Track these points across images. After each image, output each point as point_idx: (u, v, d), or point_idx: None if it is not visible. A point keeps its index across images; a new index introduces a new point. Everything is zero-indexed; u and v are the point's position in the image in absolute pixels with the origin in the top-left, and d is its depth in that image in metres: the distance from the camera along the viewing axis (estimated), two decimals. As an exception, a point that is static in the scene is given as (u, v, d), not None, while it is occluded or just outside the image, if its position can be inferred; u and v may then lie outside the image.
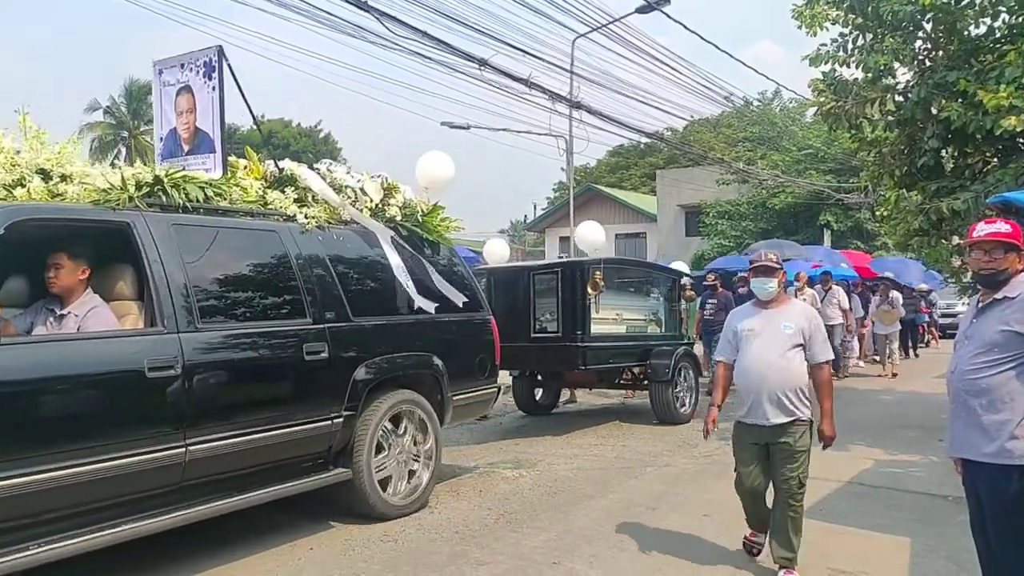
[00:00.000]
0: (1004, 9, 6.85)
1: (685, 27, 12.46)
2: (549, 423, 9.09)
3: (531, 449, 7.51)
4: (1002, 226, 2.99)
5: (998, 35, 7.08)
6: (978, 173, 7.26)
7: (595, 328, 8.05)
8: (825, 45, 7.61)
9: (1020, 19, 6.87)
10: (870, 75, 7.40)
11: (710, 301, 11.53)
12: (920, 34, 7.36)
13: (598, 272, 7.88)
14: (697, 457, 7.05)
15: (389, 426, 5.06)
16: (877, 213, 11.90)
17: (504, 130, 19.07)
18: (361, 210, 5.32)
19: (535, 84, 12.92)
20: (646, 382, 8.90)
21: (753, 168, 23.61)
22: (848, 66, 7.54)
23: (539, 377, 9.59)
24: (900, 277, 16.90)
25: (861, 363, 14.48)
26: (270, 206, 4.87)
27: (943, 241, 7.98)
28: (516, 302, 8.33)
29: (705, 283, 12.11)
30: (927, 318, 18.77)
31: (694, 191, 27.57)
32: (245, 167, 5.16)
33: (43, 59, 69.16)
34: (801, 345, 3.96)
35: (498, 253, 11.77)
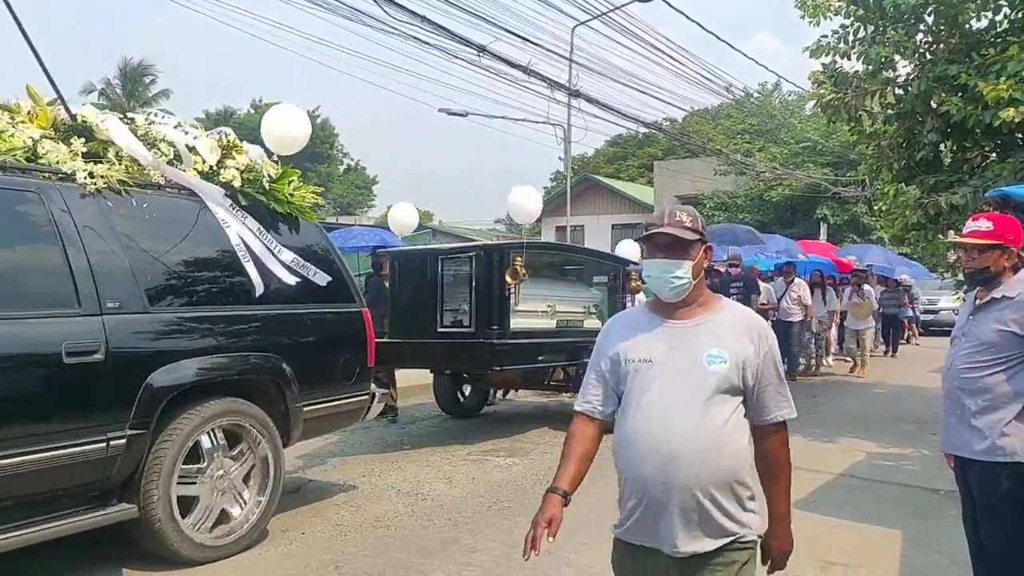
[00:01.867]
0: (1005, 3, 6.83)
1: (686, 16, 12.39)
2: (544, 413, 9.08)
3: (524, 437, 7.51)
4: (983, 223, 2.96)
5: (999, 29, 7.06)
6: (976, 167, 7.26)
7: (516, 323, 6.98)
8: (826, 36, 7.58)
9: (1021, 14, 6.84)
10: (870, 67, 7.37)
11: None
12: (921, 27, 7.33)
13: (519, 258, 6.76)
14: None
15: (207, 445, 4.07)
16: (875, 207, 11.89)
17: (502, 118, 18.99)
18: (186, 171, 4.36)
19: (534, 71, 12.86)
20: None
21: (751, 160, 23.59)
22: (849, 58, 7.51)
23: (465, 375, 8.53)
24: (885, 268, 16.32)
25: (830, 361, 13.60)
26: (42, 160, 3.84)
27: (940, 236, 7.99)
28: (421, 291, 7.31)
29: None
30: (910, 313, 17.96)
31: (691, 182, 27.55)
32: (29, 112, 4.14)
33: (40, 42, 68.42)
34: (741, 392, 2.04)
35: (405, 222, 9.81)
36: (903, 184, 8.01)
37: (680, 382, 2.00)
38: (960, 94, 6.68)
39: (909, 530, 4.73)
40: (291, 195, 4.82)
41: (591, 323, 8.34)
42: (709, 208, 26.29)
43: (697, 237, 2.07)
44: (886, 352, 15.78)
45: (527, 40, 12.50)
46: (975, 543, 3.04)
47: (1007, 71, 6.18)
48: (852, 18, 7.43)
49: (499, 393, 9.40)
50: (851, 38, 7.49)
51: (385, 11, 9.78)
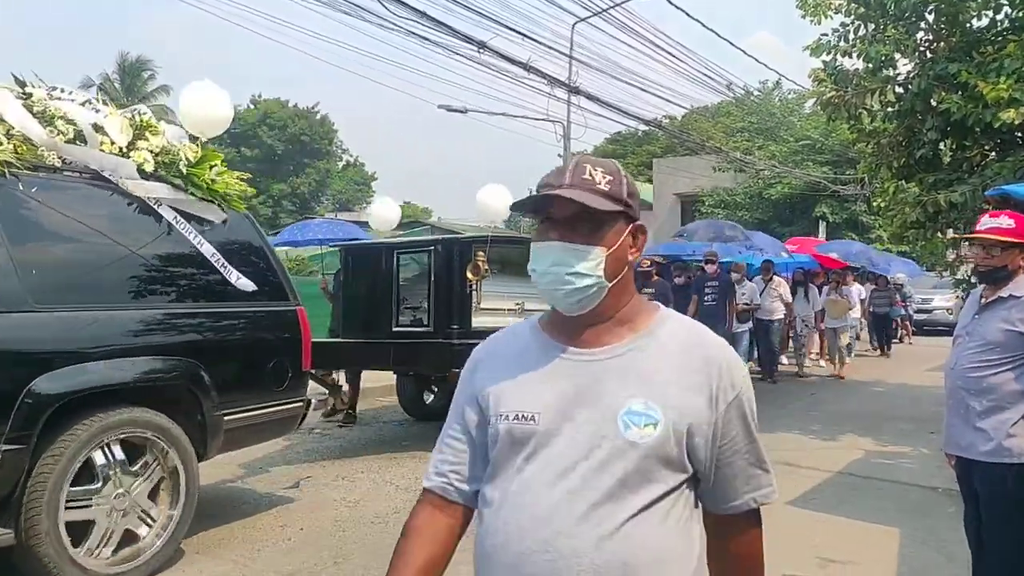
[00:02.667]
0: (1006, 2, 6.82)
1: (687, 13, 12.38)
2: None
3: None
4: (1004, 221, 2.83)
5: (1000, 28, 7.05)
6: (976, 166, 7.26)
7: (479, 321, 6.50)
8: (826, 35, 7.58)
9: (1021, 12, 6.84)
10: (871, 65, 7.37)
11: (644, 291, 9.30)
12: (922, 25, 7.33)
13: (481, 252, 6.28)
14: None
15: (101, 461, 3.60)
16: (874, 204, 11.85)
17: (502, 114, 18.97)
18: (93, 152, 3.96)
19: (534, 68, 12.84)
20: None
21: (750, 158, 23.59)
22: (849, 56, 7.51)
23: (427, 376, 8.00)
24: (875, 265, 15.71)
25: (822, 362, 13.14)
26: None
27: (939, 234, 7.99)
28: (375, 287, 6.86)
29: (639, 269, 10.20)
30: (902, 312, 17.51)
31: (691, 180, 27.54)
32: None
33: (42, 35, 68.50)
34: (684, 470, 1.23)
35: (385, 218, 9.26)
36: (903, 182, 8.01)
37: (573, 459, 1.19)
38: (960, 92, 6.67)
39: (907, 528, 4.74)
40: (213, 181, 4.37)
41: None
42: (708, 205, 26.28)
43: (618, 208, 1.25)
44: (879, 351, 15.50)
45: (527, 37, 12.53)
46: (976, 544, 3.02)
47: (1005, 69, 6.17)
48: (853, 16, 7.42)
49: None
50: (852, 36, 7.48)
51: (385, 7, 9.77)
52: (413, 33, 10.90)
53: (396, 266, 6.82)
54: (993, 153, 7.22)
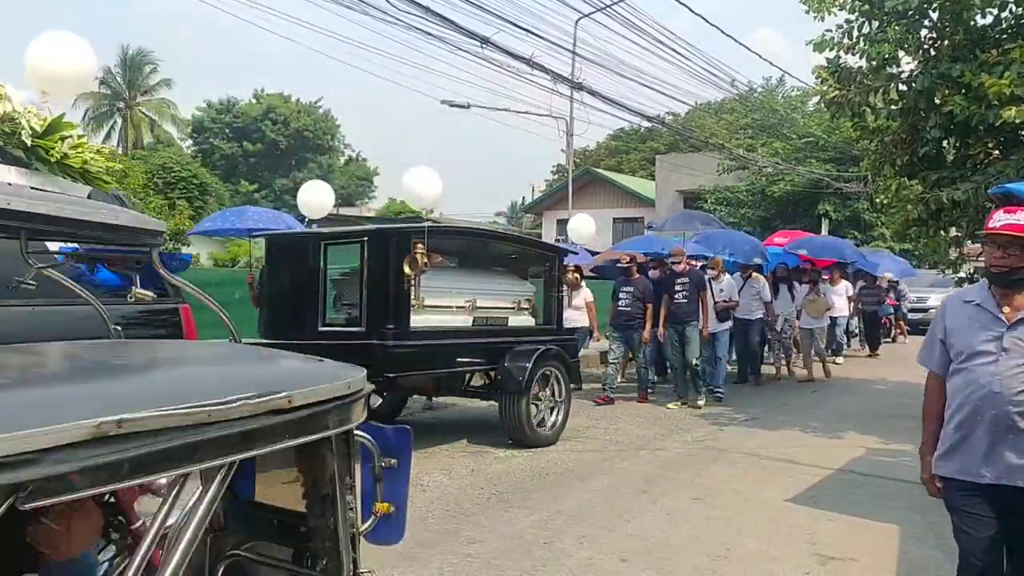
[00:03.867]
0: (1012, 0, 6.81)
1: (690, 10, 12.35)
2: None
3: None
4: (1023, 217, 2.56)
5: (1004, 26, 7.04)
6: (979, 164, 7.24)
7: (418, 320, 6.04)
8: (830, 32, 7.57)
9: (1026, 10, 6.83)
10: (874, 63, 7.35)
11: (625, 289, 9.18)
12: (925, 23, 7.31)
13: (420, 244, 5.75)
14: (689, 442, 7.07)
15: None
16: (877, 201, 11.78)
17: (505, 110, 18.96)
18: None
19: (537, 64, 12.83)
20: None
21: (753, 155, 23.56)
22: (853, 54, 7.50)
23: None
24: (849, 259, 15.18)
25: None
26: None
27: (941, 232, 7.99)
28: (300, 282, 6.32)
29: (619, 265, 9.79)
30: (892, 311, 16.92)
31: (693, 177, 27.51)
32: None
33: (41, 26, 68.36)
34: None
35: (317, 204, 8.21)
36: (905, 179, 8.00)
37: None
38: (964, 91, 6.66)
39: (906, 525, 4.74)
40: (65, 155, 3.74)
41: (520, 320, 7.23)
42: (711, 203, 26.26)
43: None
44: (871, 352, 15.05)
45: (531, 32, 12.50)
46: (990, 564, 2.72)
47: (1011, 72, 6.16)
48: (856, 13, 7.41)
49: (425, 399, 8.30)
50: (855, 33, 7.47)
51: (389, 2, 9.77)
52: (416, 28, 10.90)
53: (324, 258, 6.20)
54: (997, 151, 7.21)
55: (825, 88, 7.70)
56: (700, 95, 36.28)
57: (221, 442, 1.13)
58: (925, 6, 7.10)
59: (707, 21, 17.91)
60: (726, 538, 4.47)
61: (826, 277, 12.58)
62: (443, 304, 6.40)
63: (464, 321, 6.64)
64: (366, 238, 6.08)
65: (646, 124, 27.12)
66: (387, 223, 9.26)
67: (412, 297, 5.90)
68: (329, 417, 1.36)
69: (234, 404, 1.15)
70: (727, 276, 10.17)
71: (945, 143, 7.52)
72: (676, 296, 9.04)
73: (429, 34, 11.18)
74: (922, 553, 4.32)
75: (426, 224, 6.17)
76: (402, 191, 6.62)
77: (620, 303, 9.14)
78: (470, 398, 7.55)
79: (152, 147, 36.28)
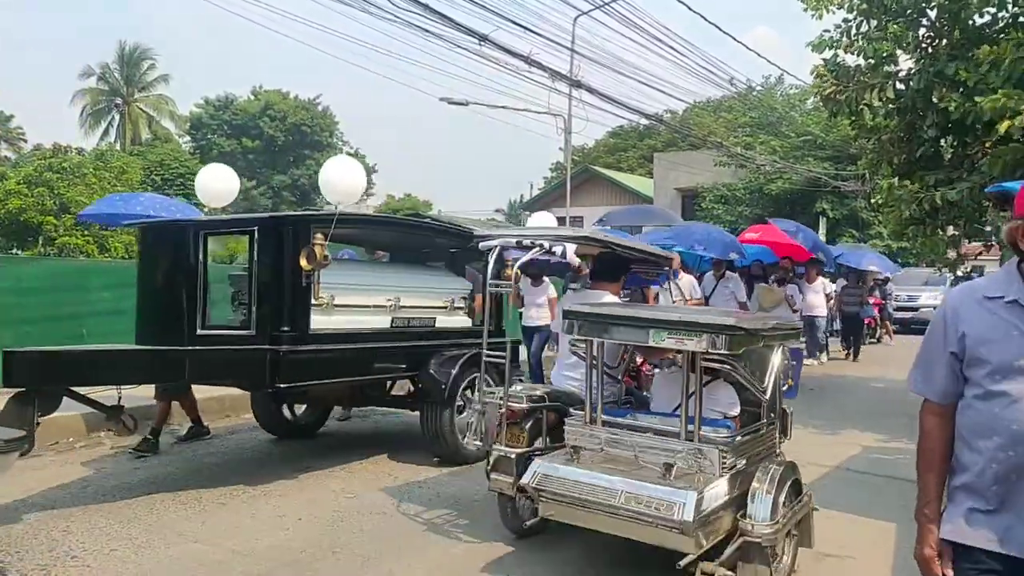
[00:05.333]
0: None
1: (688, 7, 12.35)
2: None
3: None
4: None
5: (1001, 25, 7.05)
6: (976, 164, 7.26)
7: (322, 321, 5.29)
8: (828, 31, 7.58)
9: (1022, 8, 6.84)
10: (871, 61, 7.37)
11: (572, 286, 8.30)
12: (923, 21, 7.33)
13: (321, 235, 5.10)
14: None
15: None
16: (873, 201, 11.73)
17: (503, 107, 18.98)
18: None
19: (535, 61, 12.84)
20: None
21: (751, 153, 23.59)
22: (851, 52, 7.51)
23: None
24: (851, 260, 14.38)
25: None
26: None
27: (939, 231, 8.00)
28: (175, 278, 5.47)
29: (563, 261, 8.84)
30: (874, 312, 16.00)
31: (691, 175, 27.54)
32: None
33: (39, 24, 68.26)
34: None
35: (216, 190, 7.11)
36: (899, 179, 8.03)
37: None
38: (960, 90, 6.68)
39: (904, 522, 4.75)
40: None
41: (452, 321, 6.45)
42: (709, 201, 26.29)
43: None
44: (847, 355, 14.26)
45: (529, 30, 12.51)
46: None
47: (1003, 72, 6.15)
48: (855, 12, 7.43)
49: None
50: (854, 32, 7.49)
51: (388, -1, 9.76)
52: (415, 25, 10.89)
53: (204, 251, 5.42)
54: (992, 150, 7.23)
55: (823, 86, 7.72)
56: (698, 93, 36.30)
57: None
58: (923, 5, 7.11)
59: (705, 19, 17.99)
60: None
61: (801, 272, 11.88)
62: (357, 303, 5.63)
63: (382, 322, 5.83)
64: (256, 227, 5.28)
65: (644, 122, 27.15)
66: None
67: (313, 296, 5.18)
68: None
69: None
70: (686, 274, 9.25)
71: (942, 142, 7.54)
72: (620, 295, 8.06)
73: (428, 31, 11.19)
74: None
75: (336, 212, 5.38)
76: (322, 183, 5.90)
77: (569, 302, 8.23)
78: (393, 409, 6.90)
79: (150, 143, 36.24)
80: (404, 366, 5.96)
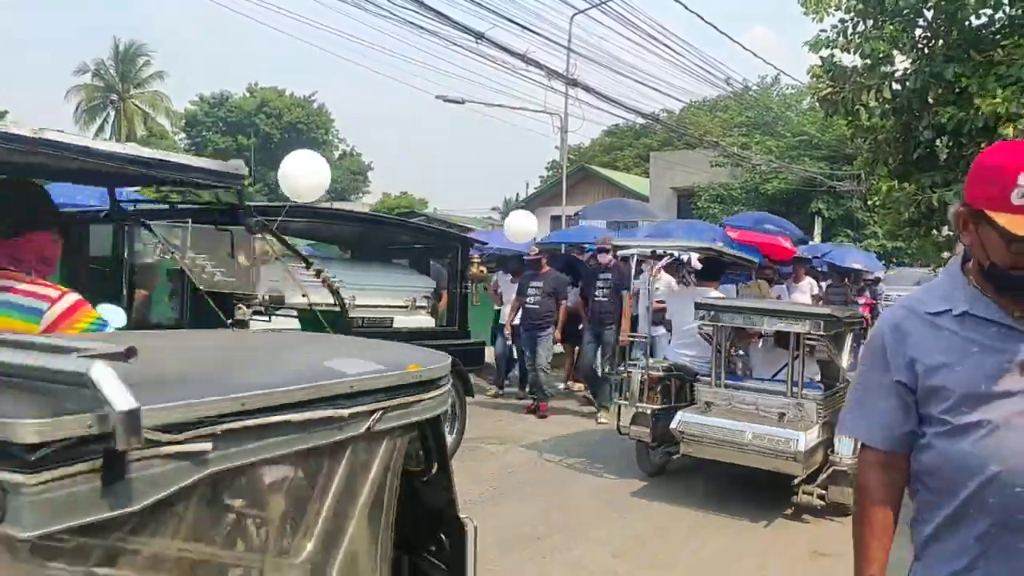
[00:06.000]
0: (1006, 1, 6.83)
1: (685, 7, 12.37)
2: (525, 401, 9.05)
3: (514, 426, 7.51)
4: None
5: (998, 26, 7.06)
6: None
7: (262, 323, 4.93)
8: (825, 31, 7.58)
9: (1020, 11, 6.85)
10: (868, 61, 7.37)
11: (534, 284, 8.22)
12: (920, 22, 7.33)
13: (266, 230, 4.63)
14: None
15: None
16: (869, 202, 11.69)
17: (499, 106, 18.97)
18: None
19: (532, 60, 12.83)
20: None
21: (747, 152, 23.64)
22: (848, 52, 7.52)
23: None
24: (836, 259, 13.81)
25: None
26: None
27: (933, 232, 8.02)
28: (95, 274, 5.01)
29: (526, 257, 8.78)
30: (864, 312, 15.63)
31: (687, 174, 27.58)
32: None
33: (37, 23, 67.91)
34: None
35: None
36: (897, 182, 8.04)
37: None
38: (956, 95, 6.69)
39: (901, 521, 4.78)
40: None
41: (412, 321, 6.25)
42: (704, 200, 26.33)
43: None
44: None
45: (526, 28, 12.49)
46: None
47: (1003, 78, 6.16)
48: (852, 12, 7.43)
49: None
50: (850, 32, 7.49)
51: (384, -4, 9.74)
52: (411, 23, 10.88)
53: (130, 244, 4.90)
54: (989, 151, 7.25)
55: (819, 86, 7.72)
56: (695, 92, 36.31)
57: None
58: (920, 5, 7.11)
59: (702, 18, 18.02)
60: (719, 533, 4.49)
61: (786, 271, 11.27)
62: (303, 303, 5.21)
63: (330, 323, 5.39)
64: (189, 220, 4.78)
65: (641, 121, 27.18)
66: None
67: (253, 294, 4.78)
68: None
69: None
70: (666, 274, 8.67)
71: (938, 142, 7.55)
72: (597, 293, 8.06)
73: (424, 29, 11.17)
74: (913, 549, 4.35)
75: (287, 203, 5.00)
76: (281, 179, 5.60)
77: (528, 300, 8.19)
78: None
79: (145, 140, 36.13)
80: None
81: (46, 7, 71.90)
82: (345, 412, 1.21)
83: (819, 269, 12.60)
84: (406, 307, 6.25)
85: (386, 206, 35.90)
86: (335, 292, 4.63)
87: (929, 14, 7.22)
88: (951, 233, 8.11)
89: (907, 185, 7.88)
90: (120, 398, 0.87)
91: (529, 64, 13.07)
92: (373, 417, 1.28)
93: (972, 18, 7.06)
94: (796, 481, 4.80)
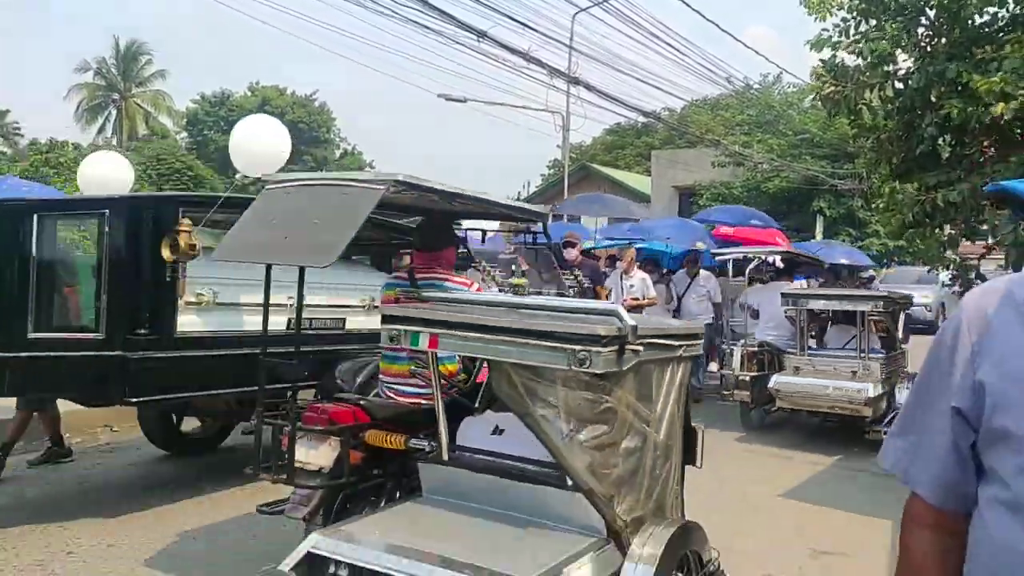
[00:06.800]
0: (1010, -1, 6.82)
1: (687, 4, 12.35)
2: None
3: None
4: None
5: (1000, 24, 7.05)
6: (975, 164, 7.27)
7: (191, 322, 4.55)
8: (828, 31, 7.57)
9: (1022, 8, 6.83)
10: (869, 60, 7.36)
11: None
12: (922, 20, 7.32)
13: (189, 220, 4.36)
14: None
15: None
16: (874, 205, 11.65)
17: (501, 104, 18.97)
18: None
19: (534, 58, 12.83)
20: None
21: (749, 151, 23.63)
22: (850, 52, 7.51)
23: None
24: (825, 256, 12.64)
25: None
26: None
27: (937, 231, 8.01)
28: (2, 272, 4.51)
29: (501, 256, 8.36)
30: None
31: (689, 173, 27.56)
32: None
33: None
34: None
35: (99, 177, 6.12)
36: (899, 183, 8.03)
37: None
38: (959, 88, 6.68)
39: (899, 520, 4.78)
40: None
41: (369, 322, 5.40)
42: (706, 199, 26.31)
43: None
44: None
45: (528, 26, 12.48)
46: None
47: (1004, 68, 6.16)
48: (854, 12, 7.42)
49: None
50: (852, 31, 7.48)
51: (386, -5, 9.74)
52: (413, 21, 10.87)
53: (38, 238, 4.48)
54: (992, 150, 7.23)
55: (821, 84, 7.71)
56: (696, 91, 36.30)
57: None
58: (922, 3, 7.10)
59: (704, 16, 18.03)
60: (719, 533, 4.49)
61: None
62: (247, 302, 4.74)
63: (277, 323, 4.62)
64: (107, 210, 4.41)
65: (642, 119, 27.18)
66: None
67: (182, 292, 4.40)
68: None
69: None
70: (638, 271, 8.55)
71: (941, 140, 7.54)
72: (564, 292, 7.49)
73: (426, 27, 11.17)
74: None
75: (223, 194, 4.57)
76: (232, 148, 5.08)
77: None
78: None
79: (147, 139, 36.14)
80: (306, 373, 4.39)
81: (46, 7, 72.02)
82: (676, 343, 2.75)
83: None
84: (363, 307, 5.63)
85: (387, 205, 35.77)
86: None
87: (931, 12, 7.21)
88: (953, 232, 8.09)
89: (909, 186, 7.87)
90: (628, 320, 2.35)
91: (531, 62, 13.08)
92: (681, 349, 2.81)
93: (975, 16, 7.06)
94: (866, 423, 6.63)
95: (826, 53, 7.62)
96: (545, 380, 2.44)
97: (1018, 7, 6.85)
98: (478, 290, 4.18)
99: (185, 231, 4.28)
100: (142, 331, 4.32)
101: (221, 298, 4.64)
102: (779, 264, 8.94)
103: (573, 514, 2.61)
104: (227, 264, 4.45)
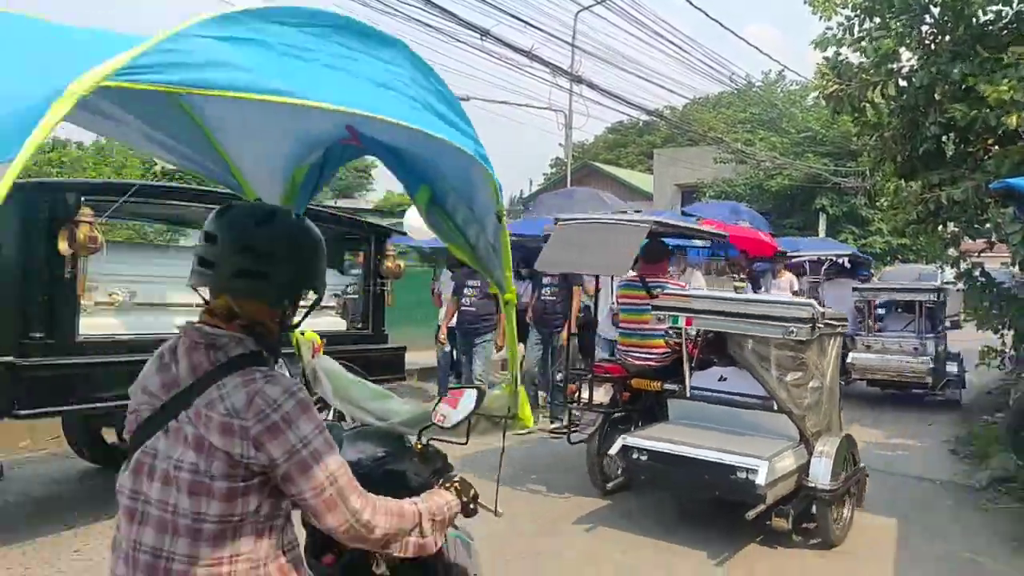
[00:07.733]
0: (1014, -3, 6.79)
1: (690, 2, 12.34)
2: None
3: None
4: None
5: (1005, 22, 7.03)
6: (979, 162, 7.26)
7: (99, 324, 4.18)
8: (831, 28, 7.56)
9: (1027, 7, 6.81)
10: (874, 58, 7.35)
11: (470, 283, 7.30)
12: (927, 18, 7.31)
13: (90, 210, 3.91)
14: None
15: None
16: (879, 203, 11.68)
17: (504, 103, 18.97)
18: None
19: (536, 56, 12.82)
20: None
21: (751, 149, 23.60)
22: (854, 50, 7.50)
23: None
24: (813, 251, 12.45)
25: None
26: None
27: (940, 228, 8.00)
28: None
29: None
30: None
31: (691, 171, 27.55)
32: None
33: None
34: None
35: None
36: (904, 181, 8.02)
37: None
38: (963, 88, 6.66)
39: (905, 519, 4.78)
40: None
41: (319, 324, 4.80)
42: (708, 197, 26.30)
43: None
44: None
45: (530, 25, 12.48)
46: None
47: (1008, 76, 6.14)
48: (858, 10, 7.41)
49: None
50: (856, 29, 7.47)
51: (389, -7, 9.73)
52: (415, 19, 10.87)
53: None
54: (996, 147, 7.22)
55: (825, 83, 7.70)
56: (699, 89, 36.27)
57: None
58: (926, 1, 7.09)
59: (706, 15, 17.99)
60: (724, 531, 4.50)
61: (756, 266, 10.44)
62: (170, 302, 4.35)
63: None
64: None
65: (644, 117, 27.15)
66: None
67: (83, 291, 4.00)
68: None
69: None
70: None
71: (945, 138, 7.53)
72: (544, 291, 7.51)
73: (428, 25, 11.17)
74: (921, 546, 4.35)
75: (137, 182, 4.16)
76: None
77: (464, 301, 7.31)
78: None
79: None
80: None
81: (46, 7, 72.12)
82: (836, 324, 4.45)
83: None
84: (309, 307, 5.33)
85: (390, 203, 35.93)
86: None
87: (936, 10, 7.20)
88: (956, 229, 8.09)
89: (913, 184, 7.87)
90: (818, 308, 4.25)
91: (534, 60, 13.05)
92: (839, 327, 4.59)
93: (979, 14, 7.04)
94: (929, 388, 8.84)
95: (830, 51, 7.62)
96: (764, 344, 4.17)
97: (1022, 5, 6.83)
98: (683, 287, 5.53)
99: (85, 222, 3.81)
100: (36, 335, 3.88)
101: (140, 298, 4.21)
102: (846, 264, 11.11)
103: (779, 428, 4.31)
104: (146, 261, 4.26)
